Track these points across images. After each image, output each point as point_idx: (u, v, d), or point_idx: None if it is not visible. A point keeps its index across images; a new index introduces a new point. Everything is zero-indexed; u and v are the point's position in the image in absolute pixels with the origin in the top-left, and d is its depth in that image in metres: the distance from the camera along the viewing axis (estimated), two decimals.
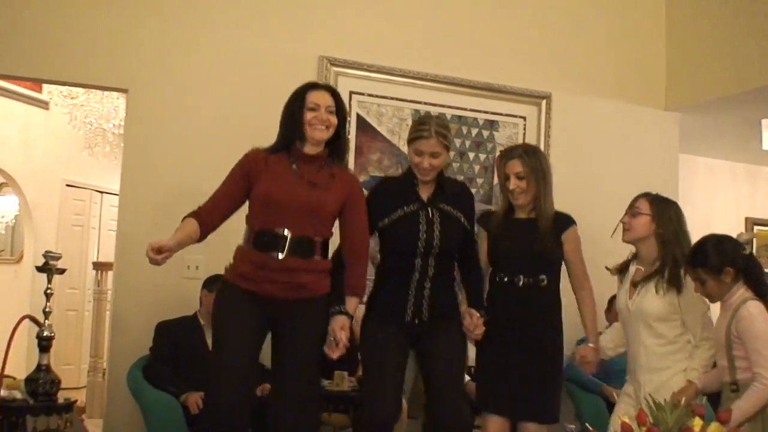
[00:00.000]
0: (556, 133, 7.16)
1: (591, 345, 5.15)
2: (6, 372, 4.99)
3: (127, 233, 5.94)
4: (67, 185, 11.78)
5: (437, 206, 4.78)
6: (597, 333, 5.23)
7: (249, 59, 6.20)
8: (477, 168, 6.83)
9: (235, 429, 4.35)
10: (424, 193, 4.81)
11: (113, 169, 9.89)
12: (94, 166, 11.45)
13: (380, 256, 4.92)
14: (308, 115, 4.47)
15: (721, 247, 4.73)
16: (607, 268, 5.32)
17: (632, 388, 5.07)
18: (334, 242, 4.69)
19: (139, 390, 5.39)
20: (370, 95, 6.57)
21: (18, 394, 5.30)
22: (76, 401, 5.62)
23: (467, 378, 5.45)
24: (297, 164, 4.51)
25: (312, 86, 4.62)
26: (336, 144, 4.65)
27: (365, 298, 4.82)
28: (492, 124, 6.96)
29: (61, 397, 5.41)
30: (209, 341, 5.37)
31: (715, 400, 5.41)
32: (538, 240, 4.97)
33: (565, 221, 5.15)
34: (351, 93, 6.49)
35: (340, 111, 4.62)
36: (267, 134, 4.56)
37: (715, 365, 4.95)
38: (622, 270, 5.25)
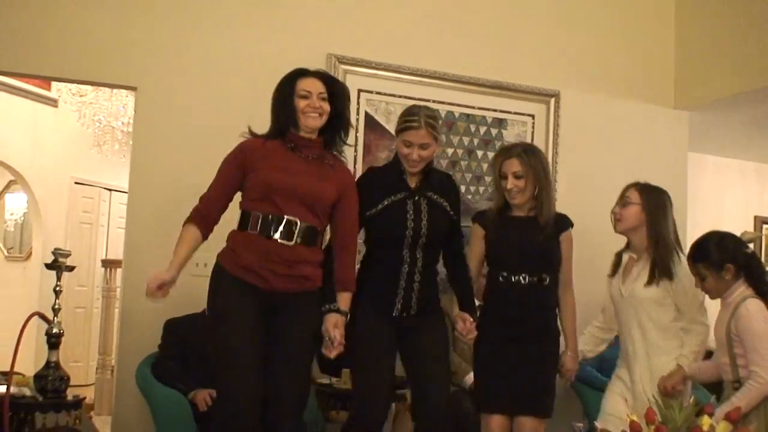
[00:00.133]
0: (564, 132, 7.15)
1: (570, 353, 5.16)
2: (15, 369, 4.99)
3: (135, 231, 5.95)
4: (76, 183, 11.81)
5: (425, 194, 4.78)
6: (576, 339, 5.23)
7: (258, 57, 6.20)
8: (485, 166, 6.81)
9: (253, 427, 4.32)
10: (412, 182, 4.80)
11: (122, 167, 9.91)
12: (102, 163, 11.48)
13: (365, 247, 4.91)
14: (301, 103, 4.46)
15: (722, 243, 4.79)
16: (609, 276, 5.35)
17: (625, 371, 5.10)
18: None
19: (147, 387, 5.39)
20: (378, 93, 6.57)
21: (27, 391, 5.31)
22: (84, 398, 5.63)
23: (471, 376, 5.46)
24: (296, 150, 4.50)
25: (302, 73, 4.60)
26: (331, 130, 4.64)
27: None
28: (501, 123, 6.95)
29: (70, 394, 5.42)
30: None
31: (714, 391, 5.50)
32: (540, 239, 4.98)
33: (564, 222, 5.18)
34: (359, 91, 6.48)
35: (337, 96, 4.61)
36: None
37: (711, 355, 4.99)
38: (615, 269, 5.28)
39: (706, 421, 3.11)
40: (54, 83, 10.57)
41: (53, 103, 11.02)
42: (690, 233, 5.27)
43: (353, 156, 6.31)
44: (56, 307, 5.47)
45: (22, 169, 10.85)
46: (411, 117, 4.73)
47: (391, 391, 4.93)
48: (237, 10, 6.26)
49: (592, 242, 5.64)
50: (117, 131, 10.39)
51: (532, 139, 7.00)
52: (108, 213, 12.60)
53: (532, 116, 7.08)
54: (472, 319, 4.73)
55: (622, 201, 5.14)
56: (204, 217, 4.49)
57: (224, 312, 4.41)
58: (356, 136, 6.40)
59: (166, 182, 5.92)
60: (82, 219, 12.04)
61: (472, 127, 6.85)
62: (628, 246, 5.23)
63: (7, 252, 12.42)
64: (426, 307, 4.80)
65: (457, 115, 6.79)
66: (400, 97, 6.60)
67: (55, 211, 11.43)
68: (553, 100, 7.15)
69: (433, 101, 6.66)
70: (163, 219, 5.73)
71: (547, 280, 5.01)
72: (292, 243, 4.37)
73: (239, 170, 4.49)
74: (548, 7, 7.37)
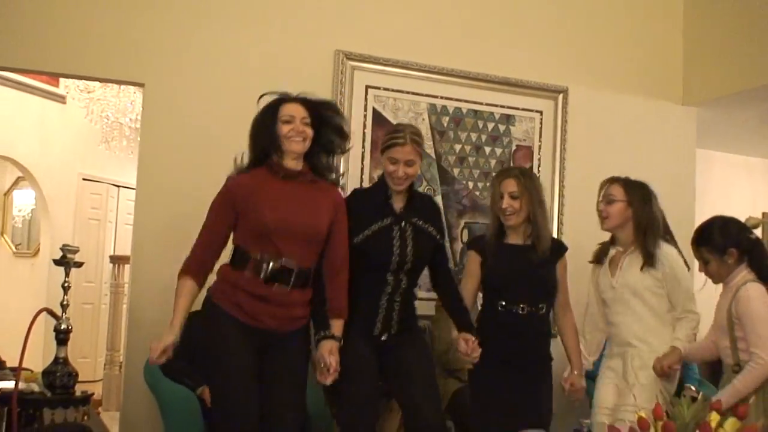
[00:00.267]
0: (572, 128, 7.14)
1: (577, 373, 5.18)
2: (23, 365, 5.00)
3: (143, 227, 5.95)
4: (84, 179, 11.84)
5: (410, 220, 4.79)
6: (580, 358, 5.24)
7: (266, 54, 6.20)
8: (493, 162, 6.82)
9: None
10: (397, 205, 4.83)
11: (130, 163, 9.93)
12: (110, 160, 11.49)
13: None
14: (284, 128, 4.42)
15: (726, 228, 4.87)
16: (590, 262, 5.41)
17: (616, 361, 5.11)
18: None
19: (156, 383, 5.39)
20: (386, 89, 6.56)
21: (35, 387, 5.32)
22: (92, 394, 5.64)
23: None
24: (285, 180, 4.46)
25: (284, 99, 4.56)
26: (315, 155, 4.60)
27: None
28: (508, 119, 6.95)
29: (78, 390, 5.43)
30: None
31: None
32: (538, 268, 5.02)
33: (560, 248, 5.26)
34: (367, 87, 6.49)
35: (322, 118, 4.58)
36: None
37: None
38: (599, 255, 5.29)
39: (714, 417, 3.11)
40: (62, 80, 10.58)
41: (61, 99, 11.04)
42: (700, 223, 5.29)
43: (361, 152, 6.31)
44: (64, 303, 5.48)
45: (30, 165, 10.86)
46: (396, 134, 4.77)
47: (377, 409, 4.94)
48: (245, 7, 6.26)
49: (602, 238, 5.62)
50: (125, 128, 10.41)
51: (540, 135, 7.01)
52: (116, 209, 12.63)
53: (540, 112, 7.08)
54: (473, 338, 4.74)
55: (607, 198, 5.17)
56: (198, 269, 4.42)
57: (221, 354, 4.38)
58: (363, 133, 6.41)
59: (173, 178, 5.93)
60: (90, 215, 12.07)
61: (480, 124, 6.85)
62: (613, 241, 5.27)
63: (15, 248, 12.45)
64: (406, 325, 4.83)
65: (464, 111, 6.79)
66: (407, 93, 6.60)
67: (63, 207, 11.45)
68: (561, 97, 7.14)
69: (441, 97, 6.69)
70: (170, 215, 5.75)
71: (544, 308, 5.07)
72: (288, 289, 4.37)
73: (230, 212, 4.44)
74: (556, 3, 7.36)
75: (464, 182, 6.71)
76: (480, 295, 5.25)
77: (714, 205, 8.63)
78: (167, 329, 4.30)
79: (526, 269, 5.00)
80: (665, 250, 5.05)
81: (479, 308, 5.23)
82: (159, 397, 5.40)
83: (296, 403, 4.44)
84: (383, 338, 4.73)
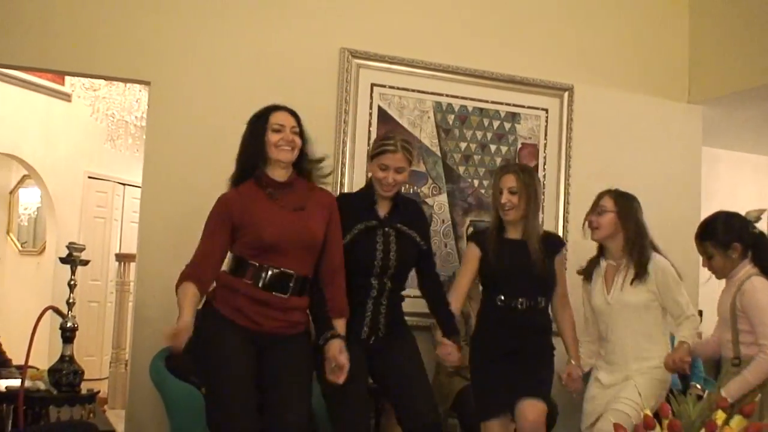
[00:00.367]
0: (578, 126, 7.13)
1: (574, 363, 5.26)
2: (29, 363, 5.01)
3: (149, 225, 5.95)
4: (90, 177, 11.85)
5: (394, 226, 4.84)
6: (578, 351, 5.33)
7: (271, 52, 6.20)
8: (498, 160, 6.80)
9: None
10: (382, 210, 4.88)
11: (135, 161, 9.94)
12: (116, 158, 11.50)
13: None
14: (274, 137, 4.44)
15: (729, 222, 4.93)
16: (578, 273, 5.46)
17: (605, 376, 5.13)
18: None
19: (161, 381, 5.40)
20: (391, 87, 6.54)
21: (41, 385, 5.34)
22: (98, 392, 5.66)
23: None
24: (274, 194, 4.47)
25: (274, 108, 4.57)
26: (302, 164, 4.61)
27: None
28: (514, 117, 6.94)
29: (84, 387, 5.45)
30: None
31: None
32: (537, 263, 5.06)
33: (558, 243, 5.36)
34: (372, 85, 6.48)
35: (302, 132, 4.58)
36: None
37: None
38: (589, 270, 5.32)
39: (720, 415, 3.11)
40: (67, 78, 10.59)
41: (66, 97, 11.05)
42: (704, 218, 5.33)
43: (366, 150, 6.32)
44: (70, 301, 5.49)
45: (35, 163, 10.88)
46: (387, 141, 4.84)
47: (368, 413, 4.96)
48: (250, 5, 6.26)
49: None
50: (130, 126, 10.43)
51: (546, 133, 7.00)
52: (122, 207, 12.64)
53: (546, 110, 7.06)
54: (451, 342, 4.83)
55: (598, 209, 5.22)
56: (198, 278, 4.37)
57: (218, 360, 4.37)
58: (369, 131, 6.40)
59: (179, 177, 5.93)
60: (95, 213, 12.08)
61: (485, 122, 6.84)
62: (602, 253, 5.30)
63: (21, 246, 12.46)
64: (393, 327, 4.86)
65: (470, 109, 6.78)
66: (413, 91, 6.59)
67: (69, 205, 11.46)
68: (566, 94, 7.12)
69: (446, 95, 6.68)
70: (176, 213, 5.75)
71: (543, 302, 5.15)
72: (287, 296, 4.39)
73: (227, 224, 4.44)
74: (562, 1, 7.35)
75: (469, 180, 6.70)
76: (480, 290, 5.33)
77: (720, 204, 8.60)
78: (179, 317, 4.24)
79: (525, 264, 5.04)
80: (655, 260, 5.09)
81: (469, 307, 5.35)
82: (165, 395, 5.40)
83: (297, 402, 4.42)
84: (371, 341, 4.77)
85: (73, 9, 5.83)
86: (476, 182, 6.71)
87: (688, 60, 7.76)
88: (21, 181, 12.40)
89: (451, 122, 6.69)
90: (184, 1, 6.10)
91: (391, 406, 5.32)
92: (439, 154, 6.64)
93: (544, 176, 6.89)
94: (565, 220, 6.90)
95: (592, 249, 5.43)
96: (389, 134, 5.10)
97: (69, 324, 5.41)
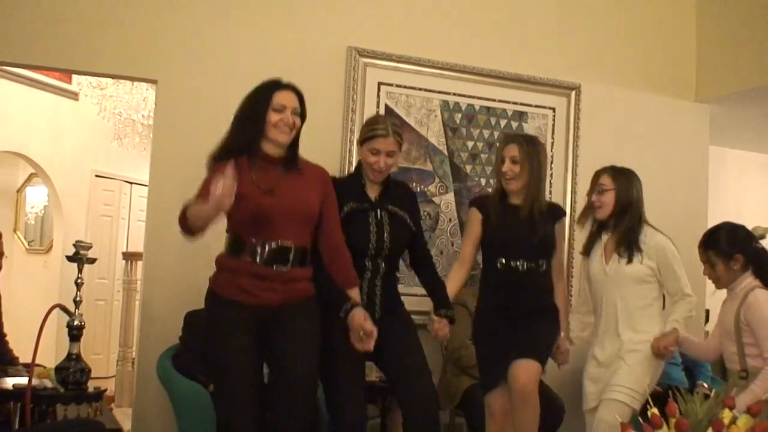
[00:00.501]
0: (585, 125, 7.13)
1: (562, 335, 5.24)
2: (36, 361, 5.02)
3: (156, 224, 5.95)
4: (97, 176, 11.88)
5: (385, 207, 4.84)
6: (567, 324, 5.33)
7: (278, 50, 6.21)
8: None
9: None
10: (372, 193, 4.88)
11: (142, 160, 9.95)
12: (123, 156, 11.53)
13: None
14: (274, 117, 4.38)
15: (733, 233, 4.99)
16: (581, 253, 5.52)
17: (599, 349, 5.14)
18: None
19: (168, 379, 5.40)
20: (398, 86, 6.55)
21: (48, 383, 5.34)
22: (105, 390, 5.65)
23: None
24: (269, 168, 4.43)
25: (278, 86, 4.51)
26: (295, 145, 4.56)
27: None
28: (521, 116, 6.94)
29: (91, 386, 5.45)
30: None
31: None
32: (537, 228, 5.05)
33: (559, 211, 5.35)
34: (379, 84, 6.48)
35: (303, 112, 4.55)
36: None
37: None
38: (590, 244, 5.38)
39: (727, 414, 3.10)
40: (75, 76, 10.61)
41: (74, 96, 11.07)
42: (710, 226, 5.34)
43: None
44: (77, 299, 5.49)
45: (42, 162, 10.89)
46: (377, 125, 4.83)
47: (364, 392, 4.90)
48: (257, 4, 6.27)
49: None
50: (137, 124, 10.43)
51: (553, 132, 7.01)
52: (128, 206, 12.67)
53: (553, 109, 7.07)
54: (439, 318, 4.84)
55: (598, 188, 5.24)
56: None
57: (222, 338, 4.37)
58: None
59: (186, 175, 5.90)
60: (102, 212, 12.10)
61: (493, 120, 6.84)
62: (603, 226, 5.28)
63: (28, 245, 12.48)
64: (389, 308, 4.85)
65: (477, 108, 6.78)
66: (420, 90, 6.60)
67: (76, 203, 11.48)
68: (573, 93, 7.13)
69: (454, 94, 6.68)
70: None
71: (544, 265, 5.11)
72: (287, 268, 4.36)
73: None
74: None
75: (477, 179, 6.70)
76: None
77: (727, 203, 8.66)
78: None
79: (525, 227, 5.03)
80: (657, 238, 5.13)
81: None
82: (171, 393, 5.41)
83: (306, 367, 4.40)
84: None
85: (81, 8, 5.83)
86: (483, 181, 6.71)
87: (695, 59, 7.76)
88: (28, 180, 12.42)
89: (458, 121, 6.70)
90: (191, 1, 6.11)
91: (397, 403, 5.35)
92: (446, 152, 6.64)
93: (551, 175, 6.90)
94: (572, 219, 6.89)
95: None
96: (378, 118, 5.07)
97: (76, 322, 5.41)
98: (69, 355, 5.39)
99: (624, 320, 5.07)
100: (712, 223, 5.34)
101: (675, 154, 7.51)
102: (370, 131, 4.82)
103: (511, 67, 6.92)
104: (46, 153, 10.90)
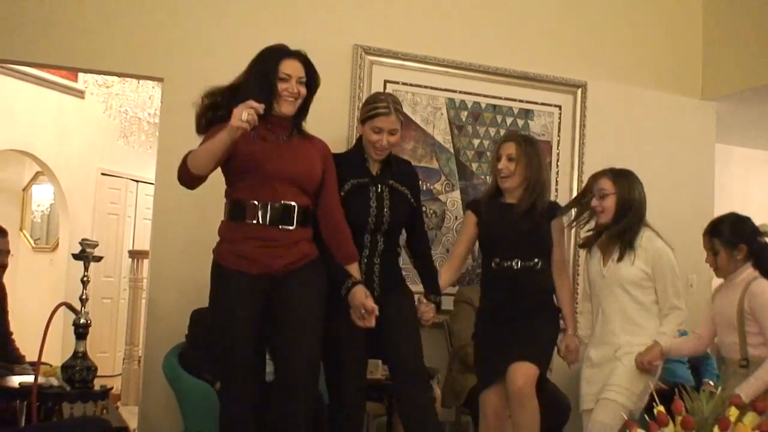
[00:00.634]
0: (591, 122, 7.13)
1: (571, 333, 5.26)
2: (42, 359, 5.02)
3: (162, 222, 5.96)
4: (103, 174, 11.88)
5: (386, 182, 4.84)
6: (574, 320, 5.34)
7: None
8: None
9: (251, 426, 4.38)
10: (373, 169, 4.87)
11: (148, 158, 9.96)
12: (129, 154, 11.53)
13: None
14: (279, 86, 4.38)
15: (738, 223, 5.01)
16: (579, 246, 5.61)
17: (595, 352, 5.13)
18: None
19: (174, 377, 5.41)
20: (404, 84, 6.56)
21: (54, 381, 5.34)
22: (111, 388, 5.65)
23: None
24: (276, 129, 4.44)
25: (285, 53, 4.51)
26: (301, 112, 4.56)
27: None
28: (527, 113, 6.94)
29: (97, 384, 5.44)
30: None
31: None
32: (531, 225, 5.06)
33: (554, 208, 5.33)
34: (385, 82, 6.49)
35: (311, 84, 4.55)
36: None
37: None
38: (589, 242, 5.35)
39: (733, 412, 3.10)
40: (80, 74, 10.62)
41: (80, 94, 11.07)
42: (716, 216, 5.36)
43: None
44: (83, 297, 5.49)
45: (48, 160, 10.89)
46: (380, 103, 4.82)
47: (364, 372, 4.95)
48: (264, 2, 6.27)
49: None
50: (143, 122, 10.44)
51: (559, 130, 7.01)
52: (135, 204, 12.67)
53: (559, 107, 7.07)
54: (427, 302, 4.93)
55: (599, 193, 5.19)
56: None
57: (226, 319, 4.38)
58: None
59: None
60: (108, 210, 12.11)
61: (499, 118, 6.84)
62: (605, 227, 5.25)
63: (34, 243, 12.48)
64: (389, 287, 4.84)
65: (483, 105, 6.79)
66: (426, 87, 6.61)
67: (82, 202, 11.48)
68: (579, 91, 7.13)
69: (460, 92, 6.69)
70: (189, 210, 5.76)
71: (540, 264, 5.10)
72: (293, 227, 4.36)
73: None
74: None
75: (483, 177, 6.70)
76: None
77: (733, 200, 8.63)
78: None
79: (516, 225, 5.04)
80: (656, 244, 5.09)
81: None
82: (178, 391, 5.41)
83: (310, 335, 4.41)
84: None
85: (87, 6, 5.84)
86: (489, 179, 6.70)
87: (702, 56, 7.76)
88: (34, 178, 12.42)
89: (464, 119, 6.70)
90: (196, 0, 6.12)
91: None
92: (452, 150, 6.65)
93: (557, 173, 6.91)
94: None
95: None
96: (380, 96, 5.04)
97: (82, 320, 5.40)
98: (75, 353, 5.38)
99: (620, 323, 5.04)
100: None
101: (681, 152, 7.50)
102: (371, 110, 4.80)
103: (517, 64, 6.92)
104: (52, 151, 10.90)
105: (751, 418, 3.12)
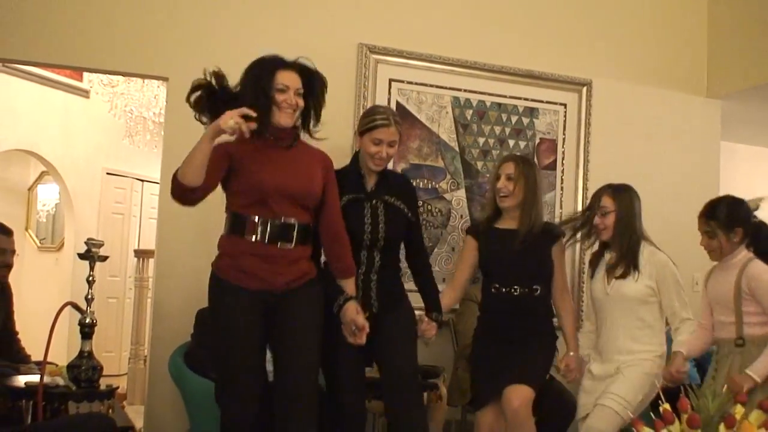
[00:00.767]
0: (596, 120, 7.12)
1: (573, 354, 5.29)
2: (48, 358, 5.02)
3: (167, 221, 5.96)
4: (108, 173, 11.90)
5: (381, 198, 4.83)
6: (577, 342, 5.36)
7: (288, 47, 6.15)
8: None
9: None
10: (369, 184, 4.86)
11: (154, 158, 9.98)
12: (134, 154, 11.54)
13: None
14: (278, 97, 4.37)
15: (734, 206, 5.06)
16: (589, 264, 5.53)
17: (597, 366, 5.17)
18: None
19: (180, 376, 5.41)
20: (409, 83, 6.56)
21: (60, 381, 5.34)
22: (117, 388, 5.66)
23: None
24: (276, 142, 4.41)
25: (281, 64, 4.51)
26: (302, 122, 4.55)
27: None
28: (532, 112, 6.93)
29: (103, 383, 5.45)
30: None
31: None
32: (529, 250, 5.11)
33: (554, 233, 5.35)
34: (390, 80, 6.49)
35: (313, 88, 4.55)
36: None
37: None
38: (594, 263, 5.37)
39: (739, 410, 3.10)
40: (85, 74, 10.62)
41: (85, 93, 11.08)
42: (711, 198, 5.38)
43: None
44: (89, 297, 5.49)
45: (54, 159, 10.91)
46: (380, 115, 4.81)
47: (364, 383, 4.93)
48: (268, 1, 6.27)
49: None
50: (148, 122, 10.45)
51: (564, 128, 7.00)
52: (140, 203, 12.69)
53: (564, 105, 7.06)
54: (428, 320, 4.92)
55: (600, 210, 5.21)
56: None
57: (226, 331, 4.37)
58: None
59: None
60: (114, 209, 12.12)
61: (504, 117, 6.84)
62: (605, 246, 5.28)
63: (40, 242, 12.51)
64: (388, 303, 4.82)
65: (488, 104, 6.78)
66: (431, 86, 6.60)
67: (87, 201, 11.50)
68: (585, 89, 7.12)
69: (464, 90, 6.69)
70: (195, 209, 5.73)
71: (539, 290, 5.16)
72: (292, 246, 4.36)
73: (225, 160, 4.34)
74: None
75: (488, 175, 6.66)
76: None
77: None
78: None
79: (517, 251, 5.09)
80: (658, 257, 5.13)
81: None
82: (183, 391, 5.41)
83: (307, 353, 4.42)
84: (366, 317, 4.64)
85: (91, 5, 5.85)
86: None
87: (707, 54, 7.75)
88: (39, 178, 12.45)
89: (469, 117, 6.69)
90: None
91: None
92: (457, 149, 6.64)
93: (563, 171, 6.91)
94: None
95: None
96: (379, 108, 5.04)
97: (87, 320, 5.41)
98: (81, 352, 5.39)
99: (624, 340, 5.06)
100: None
101: (686, 150, 7.50)
102: (371, 121, 4.80)
103: (522, 63, 6.92)
104: (58, 151, 10.92)
105: (756, 416, 3.12)
